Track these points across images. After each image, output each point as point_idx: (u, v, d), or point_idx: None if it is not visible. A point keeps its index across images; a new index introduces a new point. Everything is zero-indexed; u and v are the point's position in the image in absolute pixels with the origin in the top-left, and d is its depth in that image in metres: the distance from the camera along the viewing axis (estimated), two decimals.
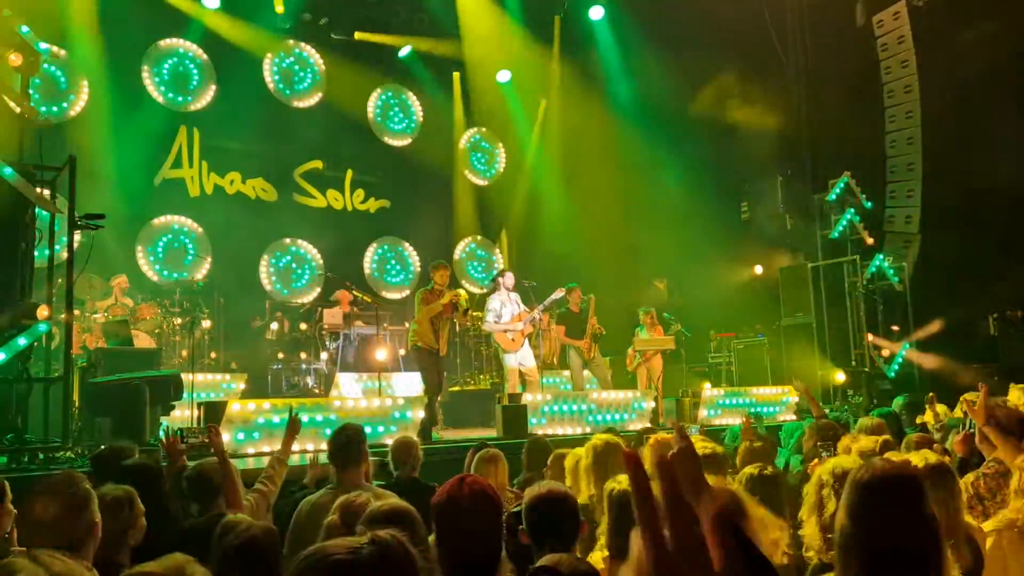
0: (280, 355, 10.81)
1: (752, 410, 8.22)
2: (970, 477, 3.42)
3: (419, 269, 13.68)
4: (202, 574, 1.73)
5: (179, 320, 9.95)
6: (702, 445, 3.40)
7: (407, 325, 9.63)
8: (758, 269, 13.83)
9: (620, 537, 2.79)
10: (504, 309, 9.23)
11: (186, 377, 7.18)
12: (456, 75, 14.15)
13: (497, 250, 14.53)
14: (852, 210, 12.77)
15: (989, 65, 11.29)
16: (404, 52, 13.54)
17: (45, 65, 7.86)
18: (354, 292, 11.22)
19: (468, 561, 2.17)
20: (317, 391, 10.40)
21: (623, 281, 12.90)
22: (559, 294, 9.75)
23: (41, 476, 5.07)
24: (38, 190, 6.21)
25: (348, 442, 3.95)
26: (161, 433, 4.85)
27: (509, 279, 9.41)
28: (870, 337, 12.32)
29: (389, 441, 4.88)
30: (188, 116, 11.97)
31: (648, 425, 8.10)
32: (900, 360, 12.47)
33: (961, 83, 11.70)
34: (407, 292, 13.44)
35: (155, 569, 1.69)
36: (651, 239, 13.06)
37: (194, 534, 3.17)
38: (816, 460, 4.14)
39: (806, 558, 2.71)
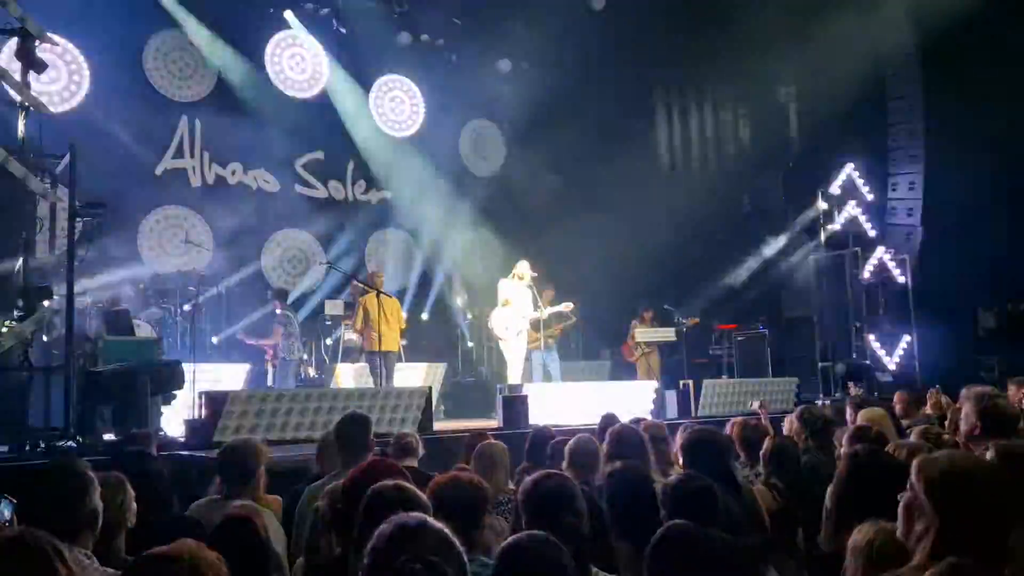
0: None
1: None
2: None
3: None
4: (213, 558, 1.74)
5: (180, 310, 9.95)
6: None
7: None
8: (759, 262, 13.82)
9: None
10: (518, 299, 9.29)
11: (187, 367, 7.19)
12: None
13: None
14: (854, 202, 12.74)
15: (994, 57, 11.26)
16: (403, 41, 13.49)
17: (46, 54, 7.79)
18: (356, 283, 11.21)
19: None
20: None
21: (619, 276, 12.92)
22: (566, 308, 9.87)
23: (42, 465, 5.09)
24: (38, 179, 6.21)
25: (354, 431, 3.95)
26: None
27: (522, 268, 9.44)
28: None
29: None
30: (189, 106, 11.97)
31: (648, 418, 8.10)
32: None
33: (966, 75, 11.66)
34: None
35: (167, 552, 1.70)
36: (650, 232, 13.03)
37: (189, 522, 3.17)
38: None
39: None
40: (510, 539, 2.07)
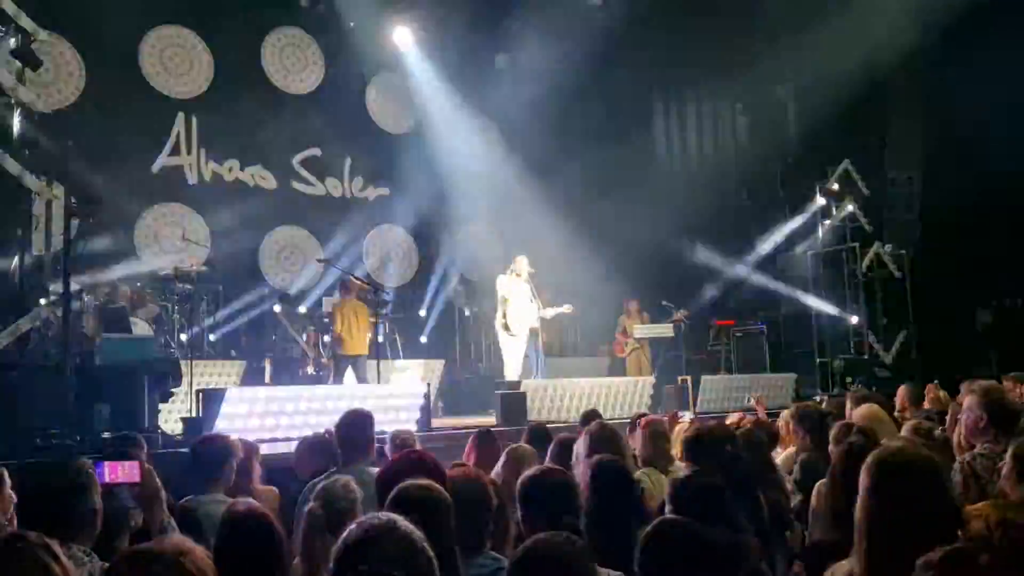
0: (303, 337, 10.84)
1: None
2: (966, 457, 3.42)
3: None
4: (200, 552, 1.72)
5: (177, 307, 9.94)
6: None
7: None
8: (757, 257, 13.82)
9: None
10: (517, 295, 9.27)
11: (184, 364, 7.18)
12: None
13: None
14: (852, 198, 12.74)
15: (993, 53, 11.23)
16: (399, 36, 13.45)
17: (41, 51, 7.79)
18: (354, 279, 11.20)
19: None
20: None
21: (618, 272, 12.91)
22: (567, 309, 9.86)
23: (38, 462, 5.07)
24: (34, 176, 6.20)
25: (356, 428, 3.92)
26: None
27: (521, 264, 9.41)
28: None
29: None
30: (186, 103, 11.93)
31: (644, 411, 8.09)
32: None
33: (965, 71, 11.64)
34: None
35: (152, 549, 1.69)
36: (649, 228, 13.02)
37: (187, 518, 3.16)
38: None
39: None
40: (528, 542, 2.05)
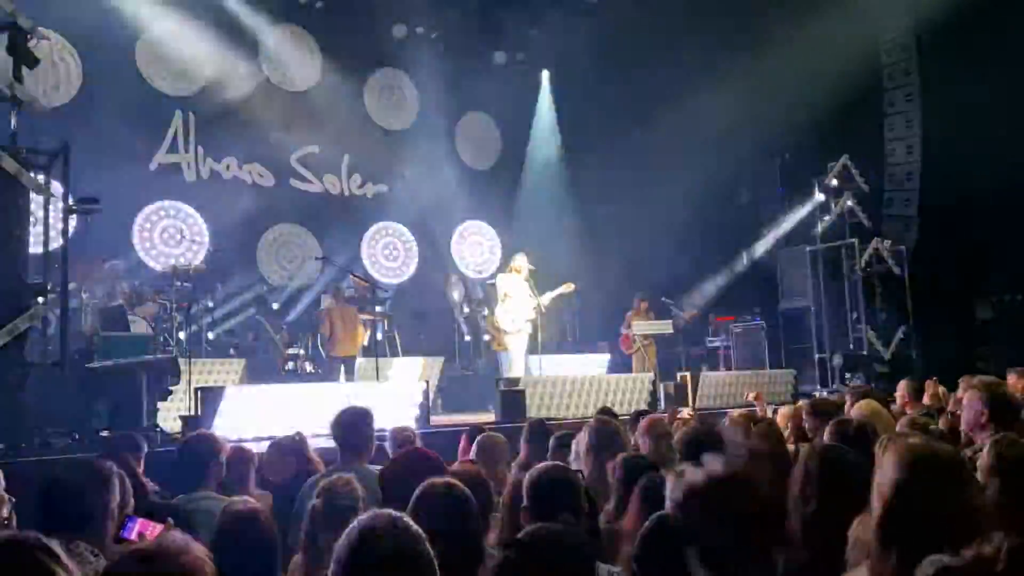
0: (277, 337, 10.84)
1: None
2: (967, 452, 3.42)
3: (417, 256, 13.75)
4: (200, 551, 1.72)
5: (176, 306, 9.91)
6: None
7: None
8: (756, 253, 13.82)
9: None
10: (517, 293, 9.26)
11: (183, 362, 7.17)
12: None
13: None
14: (851, 193, 12.72)
15: (992, 48, 11.22)
16: (398, 33, 13.43)
17: (38, 48, 7.76)
18: (352, 277, 11.21)
19: None
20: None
21: (617, 268, 12.91)
22: (567, 288, 9.82)
23: (37, 461, 5.07)
24: (31, 175, 6.17)
25: (355, 425, 3.91)
26: None
27: (520, 261, 9.40)
28: None
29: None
30: (183, 100, 11.90)
31: (644, 408, 8.09)
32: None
33: (963, 66, 11.63)
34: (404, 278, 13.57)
35: (153, 548, 1.68)
36: (647, 224, 13.01)
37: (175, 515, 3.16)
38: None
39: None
40: (529, 530, 2.05)
